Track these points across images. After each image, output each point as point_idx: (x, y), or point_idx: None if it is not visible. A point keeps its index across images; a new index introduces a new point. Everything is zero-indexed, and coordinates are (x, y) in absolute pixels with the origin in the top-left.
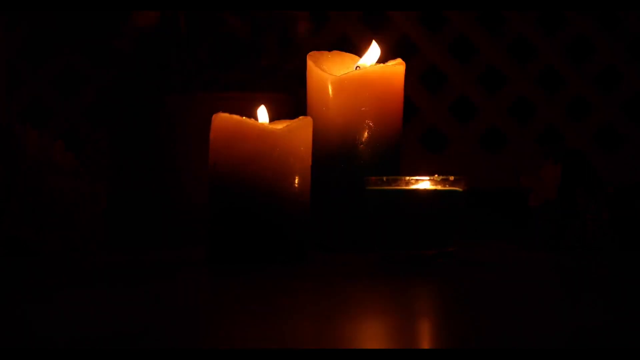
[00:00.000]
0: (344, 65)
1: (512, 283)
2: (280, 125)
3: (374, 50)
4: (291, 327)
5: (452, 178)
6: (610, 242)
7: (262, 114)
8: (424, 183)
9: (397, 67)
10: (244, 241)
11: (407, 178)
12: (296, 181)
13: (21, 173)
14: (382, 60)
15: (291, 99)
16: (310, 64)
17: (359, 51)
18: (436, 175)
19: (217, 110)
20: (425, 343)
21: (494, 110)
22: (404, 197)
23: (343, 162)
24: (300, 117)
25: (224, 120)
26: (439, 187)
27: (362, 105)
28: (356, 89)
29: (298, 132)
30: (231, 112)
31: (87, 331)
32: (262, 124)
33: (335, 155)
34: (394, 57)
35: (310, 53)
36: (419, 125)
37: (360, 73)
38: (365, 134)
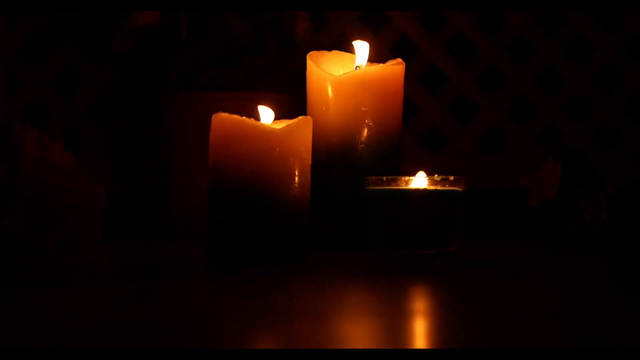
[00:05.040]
0: (344, 65)
1: (512, 283)
2: (280, 125)
3: (360, 50)
4: (291, 327)
5: (452, 178)
6: (610, 242)
7: (265, 112)
8: (424, 182)
9: (397, 67)
10: (244, 241)
11: (407, 178)
12: (296, 181)
13: (21, 173)
14: (382, 60)
15: (291, 99)
16: (310, 64)
17: None
18: (436, 175)
19: (216, 110)
20: (424, 343)
21: (494, 110)
22: (404, 197)
23: (343, 162)
24: (300, 117)
25: (224, 120)
26: (438, 187)
27: (362, 105)
28: (356, 89)
29: (298, 132)
30: (231, 112)
31: (87, 331)
32: (262, 124)
33: (335, 155)
34: (394, 57)
35: (310, 53)
36: (419, 125)
37: (360, 73)
38: (365, 134)
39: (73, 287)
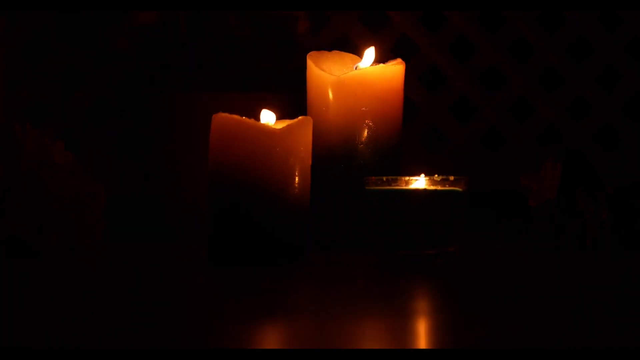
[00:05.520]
0: (344, 65)
1: (512, 283)
2: (280, 125)
3: (369, 54)
4: (291, 327)
5: (452, 178)
6: (610, 242)
7: (267, 115)
8: (424, 183)
9: (397, 67)
10: (244, 241)
11: (407, 178)
12: (296, 181)
13: (21, 173)
14: (382, 60)
15: (291, 99)
16: (310, 64)
17: (359, 51)
18: (436, 175)
19: (216, 110)
20: (425, 343)
21: (494, 110)
22: (404, 197)
23: (343, 162)
24: (300, 117)
25: (224, 120)
26: (439, 187)
27: (362, 105)
28: (356, 89)
29: (298, 132)
30: (231, 112)
31: (87, 331)
32: (262, 124)
33: (335, 155)
34: (394, 57)
35: (310, 53)
36: (419, 125)
37: (360, 73)
38: (365, 134)
39: (73, 287)
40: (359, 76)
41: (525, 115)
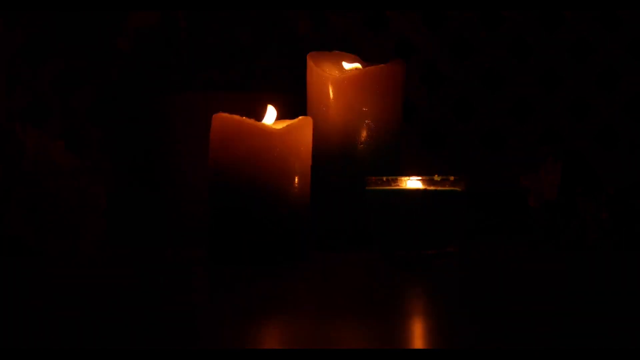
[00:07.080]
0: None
1: (512, 283)
2: (280, 125)
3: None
4: (291, 327)
5: (452, 178)
6: (610, 242)
7: (270, 114)
8: (424, 183)
9: (397, 67)
10: (244, 241)
11: (407, 178)
12: (296, 181)
13: (21, 173)
14: (382, 60)
15: (291, 99)
16: (310, 64)
17: (359, 51)
18: (436, 175)
19: (216, 110)
20: (424, 343)
21: (494, 110)
22: (404, 197)
23: (343, 162)
24: (300, 117)
25: (224, 120)
26: (439, 187)
27: (363, 105)
28: (356, 89)
29: (298, 132)
30: (231, 112)
31: (87, 331)
32: (261, 123)
33: (335, 155)
34: (394, 57)
35: (310, 53)
36: (419, 124)
37: (360, 73)
38: (365, 134)
39: (73, 288)
40: (360, 76)
41: (525, 115)
